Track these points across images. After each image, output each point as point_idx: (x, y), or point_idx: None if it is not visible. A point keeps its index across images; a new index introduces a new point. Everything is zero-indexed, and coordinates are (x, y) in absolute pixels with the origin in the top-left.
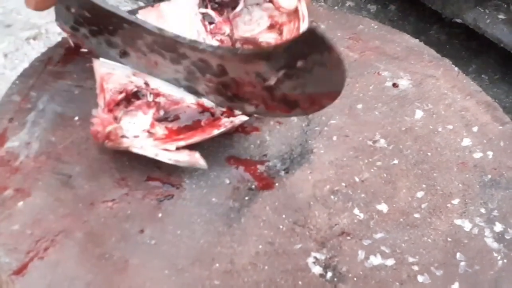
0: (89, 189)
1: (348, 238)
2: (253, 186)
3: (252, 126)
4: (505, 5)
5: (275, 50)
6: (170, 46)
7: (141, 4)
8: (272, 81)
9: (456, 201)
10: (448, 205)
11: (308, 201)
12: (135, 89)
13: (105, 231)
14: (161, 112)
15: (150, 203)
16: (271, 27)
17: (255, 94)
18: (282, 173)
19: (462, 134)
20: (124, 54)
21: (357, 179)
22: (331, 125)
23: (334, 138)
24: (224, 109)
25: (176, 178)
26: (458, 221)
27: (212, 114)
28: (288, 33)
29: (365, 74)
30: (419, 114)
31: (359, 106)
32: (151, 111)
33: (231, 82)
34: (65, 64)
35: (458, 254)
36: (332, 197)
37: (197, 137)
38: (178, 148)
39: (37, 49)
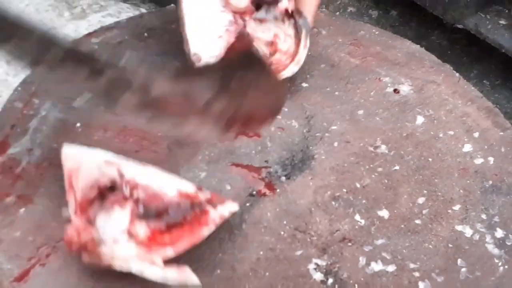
0: None
1: (349, 244)
2: (254, 192)
3: (254, 132)
4: (506, 11)
5: (207, 70)
6: (83, 60)
7: (143, 10)
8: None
9: (457, 207)
10: (449, 211)
11: (309, 207)
12: (109, 183)
13: None
14: (141, 208)
15: None
16: (270, 43)
17: (185, 113)
18: (283, 179)
19: (463, 140)
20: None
21: (358, 185)
22: (332, 131)
23: (335, 144)
24: (209, 194)
25: None
26: (459, 227)
27: (198, 205)
28: (277, 62)
29: (366, 80)
30: (420, 120)
31: (360, 112)
32: (129, 206)
33: (154, 101)
34: None
35: (459, 260)
36: (333, 203)
37: (185, 242)
38: (165, 262)
39: None
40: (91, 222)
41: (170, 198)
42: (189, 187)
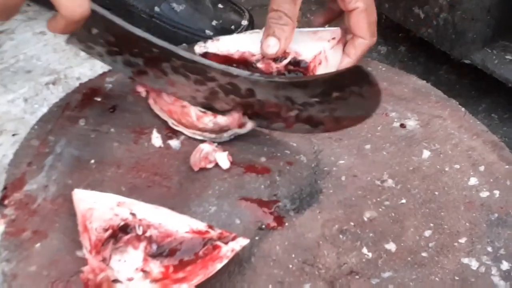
0: None
1: (357, 277)
2: (263, 226)
3: (263, 167)
4: None
5: (314, 81)
6: (199, 70)
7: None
8: (297, 105)
9: (463, 240)
10: (455, 243)
11: (317, 240)
12: (122, 223)
13: None
14: (154, 247)
15: None
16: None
17: (278, 114)
18: (292, 213)
19: (469, 174)
20: (139, 73)
21: (365, 219)
22: (339, 165)
23: (343, 178)
24: (220, 231)
25: None
26: (465, 260)
27: (210, 241)
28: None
29: (373, 115)
30: (426, 154)
31: (367, 146)
32: (142, 245)
33: (257, 103)
34: (82, 109)
35: None
36: (340, 236)
37: (199, 276)
38: None
39: (56, 94)
40: (106, 261)
41: (182, 235)
42: (200, 225)
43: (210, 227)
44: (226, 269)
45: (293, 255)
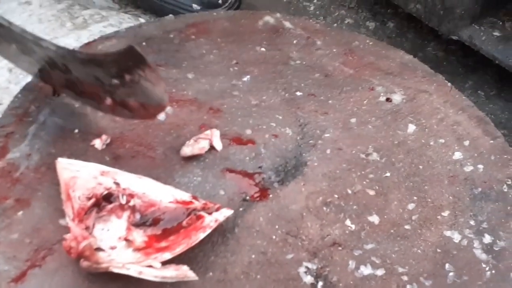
0: None
1: (340, 248)
2: (248, 198)
3: (248, 139)
4: (501, 23)
5: (105, 59)
6: (18, 39)
7: (143, 21)
8: (107, 86)
9: (446, 213)
10: (438, 217)
11: (301, 212)
12: (105, 192)
13: None
14: (137, 216)
15: None
16: None
17: (99, 95)
18: (276, 185)
19: (454, 148)
20: None
21: (349, 191)
22: (325, 138)
23: (328, 151)
24: (204, 202)
25: None
26: (447, 233)
27: (194, 211)
28: None
29: (359, 89)
30: (411, 128)
31: (353, 120)
32: (126, 214)
33: (76, 80)
34: None
35: (447, 265)
36: (324, 208)
37: (182, 245)
38: (163, 263)
39: None
40: (89, 230)
41: (166, 205)
42: (184, 196)
43: (194, 197)
44: (210, 239)
45: (277, 227)
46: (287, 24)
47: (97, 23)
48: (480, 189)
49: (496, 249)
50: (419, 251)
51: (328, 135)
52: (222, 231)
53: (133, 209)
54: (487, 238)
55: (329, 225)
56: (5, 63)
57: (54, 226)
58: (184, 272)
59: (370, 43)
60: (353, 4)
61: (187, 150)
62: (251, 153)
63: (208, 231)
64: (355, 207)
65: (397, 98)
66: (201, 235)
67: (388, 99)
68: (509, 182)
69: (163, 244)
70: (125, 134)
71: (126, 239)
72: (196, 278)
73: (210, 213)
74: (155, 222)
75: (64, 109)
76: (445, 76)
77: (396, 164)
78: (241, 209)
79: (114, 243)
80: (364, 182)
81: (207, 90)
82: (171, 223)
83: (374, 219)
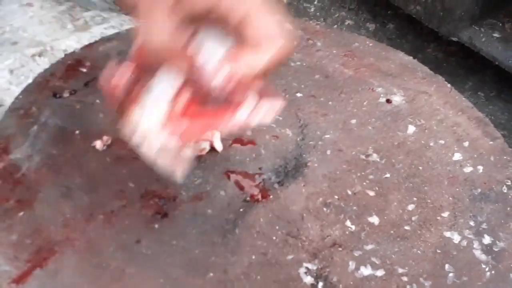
0: (88, 201)
1: (340, 249)
2: (248, 198)
3: (248, 140)
4: (500, 24)
5: None
6: None
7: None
8: None
9: (446, 214)
10: (438, 217)
11: (301, 213)
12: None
13: (102, 242)
14: (192, 82)
15: (147, 215)
16: None
17: None
18: (277, 185)
19: (453, 149)
20: None
21: (349, 192)
22: (325, 139)
23: (328, 152)
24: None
25: (173, 190)
26: (447, 234)
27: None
28: None
29: (359, 90)
30: (411, 129)
31: (353, 121)
32: (182, 75)
33: None
34: (67, 80)
35: (446, 266)
36: (324, 209)
37: (204, 124)
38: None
39: (42, 66)
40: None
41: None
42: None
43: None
44: (210, 239)
45: (277, 227)
46: (287, 26)
47: (98, 25)
48: (479, 190)
49: (496, 249)
50: (419, 251)
51: (328, 136)
52: (222, 232)
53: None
54: (487, 239)
55: (329, 226)
56: (6, 64)
57: (55, 227)
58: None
59: (370, 44)
60: (353, 6)
61: (188, 151)
62: (251, 154)
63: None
64: (355, 208)
65: (397, 99)
66: (226, 121)
67: (388, 100)
68: (509, 183)
69: (196, 112)
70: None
71: (172, 100)
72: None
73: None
74: (203, 93)
75: (65, 110)
76: (445, 77)
77: (396, 165)
78: (241, 210)
79: (159, 98)
80: (364, 183)
81: None
82: (216, 99)
83: (374, 220)
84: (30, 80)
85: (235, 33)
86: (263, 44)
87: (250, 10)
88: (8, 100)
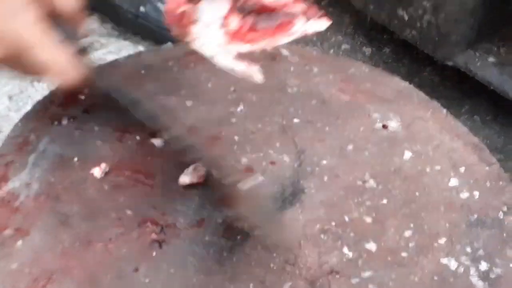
0: (86, 229)
1: (337, 276)
2: (246, 225)
3: (246, 166)
4: (495, 48)
5: None
6: None
7: (142, 48)
8: None
9: (442, 240)
10: (435, 244)
11: (299, 240)
12: None
13: (101, 270)
14: (240, 2)
15: (145, 242)
16: None
17: None
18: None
19: (450, 175)
20: None
21: (346, 218)
22: (322, 165)
23: (325, 178)
24: (305, 8)
25: (171, 217)
26: (444, 260)
27: (291, 14)
28: None
29: (355, 115)
30: (408, 155)
31: (350, 147)
32: None
33: None
34: (65, 107)
35: None
36: (322, 236)
37: (263, 42)
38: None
39: (40, 91)
40: (194, 1)
41: (269, 2)
42: None
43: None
44: (208, 267)
45: (275, 255)
46: (284, 52)
47: (97, 50)
48: (476, 216)
49: (492, 276)
50: (416, 279)
51: (325, 162)
52: (220, 259)
53: None
54: (484, 265)
55: (327, 253)
56: (5, 91)
57: (53, 255)
58: (253, 71)
59: (366, 70)
60: (349, 30)
61: (186, 178)
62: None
63: (292, 38)
64: (352, 234)
65: (393, 124)
66: (284, 39)
67: (384, 126)
68: (505, 209)
69: (250, 36)
70: (123, 162)
71: (224, 20)
72: (262, 81)
73: (306, 20)
74: (256, 12)
75: (64, 138)
76: (441, 101)
77: (392, 191)
78: (239, 237)
79: (212, 19)
80: (361, 209)
81: (206, 118)
82: (268, 21)
83: (371, 246)
84: (28, 106)
85: None
86: None
87: None
88: (7, 127)
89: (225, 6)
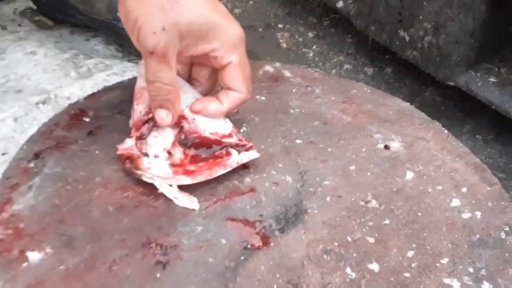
0: (91, 250)
1: None
2: (249, 246)
3: (249, 187)
4: (496, 69)
5: None
6: None
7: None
8: None
9: (445, 261)
10: (437, 264)
11: (302, 260)
12: None
13: None
14: (182, 136)
15: (149, 264)
16: None
17: None
18: (277, 232)
19: (452, 195)
20: None
21: (349, 239)
22: (324, 186)
23: (328, 198)
24: (239, 138)
25: (174, 239)
26: (446, 280)
27: (227, 146)
28: None
29: (357, 136)
30: (410, 175)
31: (352, 167)
32: (175, 131)
33: None
34: (70, 130)
35: None
36: (325, 256)
37: (202, 176)
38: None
39: (45, 113)
40: (143, 136)
41: (207, 135)
42: (226, 129)
43: (235, 132)
44: None
45: (278, 275)
46: (287, 73)
47: (101, 72)
48: (478, 236)
49: None
50: None
51: (327, 182)
52: (224, 281)
53: (181, 130)
54: (486, 286)
55: (330, 273)
56: (11, 113)
57: (58, 277)
58: (192, 202)
59: (368, 91)
60: (351, 51)
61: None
62: (252, 201)
63: (228, 169)
64: (355, 255)
65: (395, 145)
66: (221, 171)
67: (386, 147)
68: (507, 229)
69: (192, 168)
70: (127, 184)
71: (169, 152)
72: (197, 208)
73: (239, 152)
74: (196, 146)
75: (68, 160)
76: (443, 121)
77: (395, 211)
78: (242, 257)
79: (159, 152)
80: (364, 230)
81: None
82: (205, 152)
83: (374, 267)
84: (34, 128)
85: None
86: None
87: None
88: (12, 148)
89: (170, 139)
